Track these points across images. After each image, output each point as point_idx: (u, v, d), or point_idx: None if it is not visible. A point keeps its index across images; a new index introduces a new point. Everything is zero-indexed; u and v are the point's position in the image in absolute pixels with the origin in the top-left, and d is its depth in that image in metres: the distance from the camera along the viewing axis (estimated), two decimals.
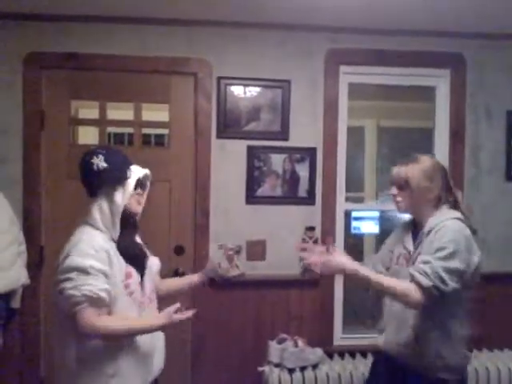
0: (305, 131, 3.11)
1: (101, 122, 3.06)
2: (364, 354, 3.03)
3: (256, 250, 3.07)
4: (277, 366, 2.80)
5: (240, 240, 3.03)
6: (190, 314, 1.82)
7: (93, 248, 1.72)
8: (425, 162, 2.05)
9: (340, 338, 3.18)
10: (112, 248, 1.78)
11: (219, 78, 3.02)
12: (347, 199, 3.27)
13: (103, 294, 1.69)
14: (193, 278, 2.22)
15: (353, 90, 3.20)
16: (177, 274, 2.93)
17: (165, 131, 3.22)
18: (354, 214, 3.49)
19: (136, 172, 1.85)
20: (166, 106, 3.07)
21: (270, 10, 2.80)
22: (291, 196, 3.10)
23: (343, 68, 3.13)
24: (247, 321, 3.08)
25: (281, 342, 2.88)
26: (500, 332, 3.19)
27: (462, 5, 2.67)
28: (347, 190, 3.26)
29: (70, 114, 3.05)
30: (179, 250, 3.04)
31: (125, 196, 1.80)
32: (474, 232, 2.00)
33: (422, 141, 3.61)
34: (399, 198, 2.08)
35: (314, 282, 3.08)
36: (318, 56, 3.10)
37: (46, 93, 2.94)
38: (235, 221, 3.06)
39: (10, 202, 2.56)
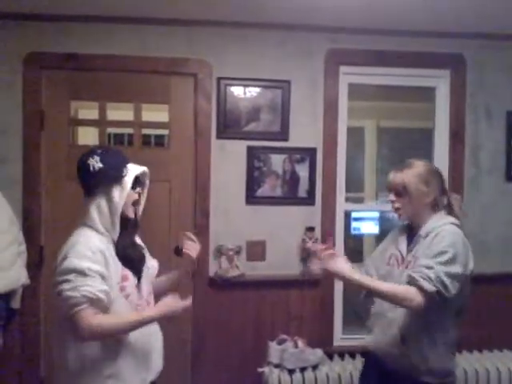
0: (305, 131, 3.11)
1: (101, 123, 3.06)
2: (364, 355, 3.03)
3: (256, 251, 3.07)
4: (277, 366, 2.80)
5: (240, 240, 3.05)
6: (188, 303, 1.83)
7: (90, 250, 1.71)
8: (419, 166, 2.07)
9: (340, 338, 3.18)
10: (108, 249, 1.77)
11: (219, 79, 3.02)
12: (347, 200, 3.27)
13: (102, 295, 1.69)
14: (174, 274, 2.17)
15: (353, 90, 3.20)
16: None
17: (165, 132, 3.22)
18: (354, 215, 3.50)
19: (133, 170, 1.84)
20: (166, 107, 3.07)
21: (269, 10, 2.80)
22: (291, 196, 3.10)
23: (343, 68, 3.13)
24: (247, 321, 3.07)
25: (281, 342, 2.88)
26: (500, 333, 3.19)
27: (462, 5, 2.67)
28: (347, 191, 3.26)
29: (69, 115, 3.05)
30: (178, 251, 3.03)
31: (123, 194, 1.78)
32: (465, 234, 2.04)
33: (422, 141, 3.61)
34: (398, 205, 2.09)
35: (314, 282, 3.08)
36: (317, 56, 3.10)
37: (46, 93, 2.94)
38: (235, 221, 3.06)
39: (9, 202, 2.55)
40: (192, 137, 3.05)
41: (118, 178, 1.78)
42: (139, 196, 1.90)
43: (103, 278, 1.71)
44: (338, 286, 3.15)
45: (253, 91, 3.06)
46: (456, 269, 1.89)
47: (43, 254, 2.93)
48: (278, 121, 3.08)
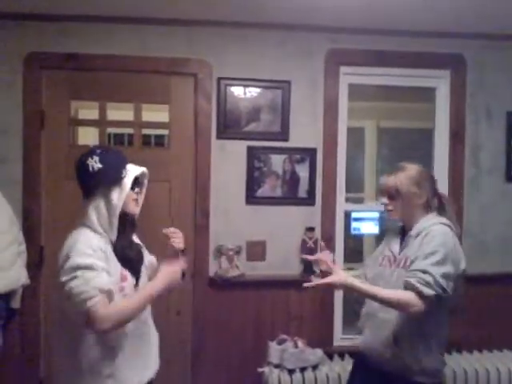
0: (305, 132, 3.11)
1: (101, 123, 3.06)
2: None
3: (256, 251, 3.07)
4: (277, 366, 2.80)
5: (240, 240, 3.05)
6: (182, 262, 1.87)
7: (90, 248, 1.71)
8: (411, 169, 2.10)
9: (340, 338, 3.18)
10: (108, 250, 1.78)
11: (219, 79, 3.02)
12: (347, 200, 3.27)
13: (112, 287, 1.70)
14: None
15: (353, 90, 3.20)
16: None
17: (165, 132, 3.22)
18: (354, 215, 3.49)
19: (132, 171, 1.83)
20: (166, 107, 3.07)
21: (270, 10, 2.80)
22: (291, 196, 3.10)
23: (343, 69, 3.13)
24: (247, 321, 3.07)
25: (281, 342, 2.88)
26: (500, 333, 3.19)
27: (462, 5, 2.67)
28: (347, 191, 3.27)
29: (69, 115, 3.05)
30: (181, 252, 3.03)
31: (121, 196, 1.78)
32: (459, 237, 2.06)
33: (422, 141, 3.61)
34: (391, 207, 2.12)
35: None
36: (318, 56, 3.10)
37: (46, 93, 2.94)
38: (235, 221, 3.06)
39: (9, 201, 2.55)
40: (192, 137, 3.05)
41: (117, 180, 1.78)
42: (137, 196, 1.90)
43: (108, 273, 1.71)
44: None
45: (253, 91, 3.06)
46: (448, 268, 1.92)
47: (43, 254, 2.93)
48: (278, 121, 3.08)
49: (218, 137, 3.04)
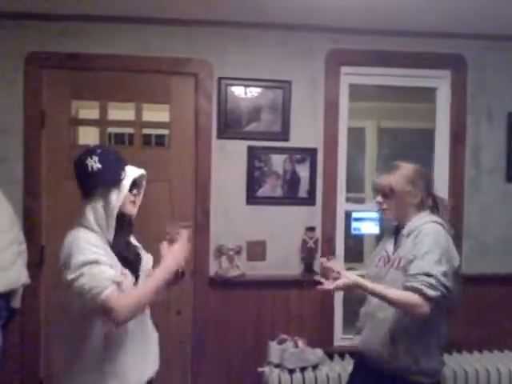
0: (305, 132, 3.11)
1: (101, 123, 3.06)
2: None
3: (256, 251, 3.07)
4: (277, 366, 2.80)
5: (240, 240, 3.05)
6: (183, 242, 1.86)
7: (92, 245, 1.71)
8: (406, 168, 2.11)
9: (340, 338, 3.19)
10: (107, 248, 1.77)
11: (220, 79, 3.02)
12: (347, 200, 3.28)
13: (122, 279, 1.71)
14: None
15: (353, 91, 3.20)
16: (177, 274, 2.91)
17: (165, 131, 3.22)
18: (355, 215, 3.49)
19: (131, 173, 1.82)
20: (167, 107, 3.07)
21: (270, 10, 2.80)
22: (292, 196, 3.10)
23: (344, 69, 3.13)
24: (247, 321, 3.07)
25: (281, 342, 2.88)
26: (500, 333, 3.19)
27: (463, 6, 2.67)
28: (348, 191, 3.27)
29: (70, 114, 3.05)
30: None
31: (120, 197, 1.77)
32: (452, 237, 2.05)
33: (423, 142, 3.61)
34: (385, 206, 2.13)
35: (315, 282, 3.07)
36: (318, 56, 3.10)
37: (47, 92, 2.95)
38: (235, 221, 3.06)
39: (10, 201, 2.55)
40: (193, 137, 3.05)
41: (116, 182, 1.77)
42: (135, 198, 1.89)
43: (111, 267, 1.72)
44: None
45: (253, 91, 3.06)
46: (445, 267, 1.92)
47: (44, 254, 2.93)
48: (279, 121, 3.08)
49: (219, 137, 3.04)
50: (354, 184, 3.55)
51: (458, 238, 3.13)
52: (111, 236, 1.79)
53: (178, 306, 3.02)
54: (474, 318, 3.13)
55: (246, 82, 3.05)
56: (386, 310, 2.01)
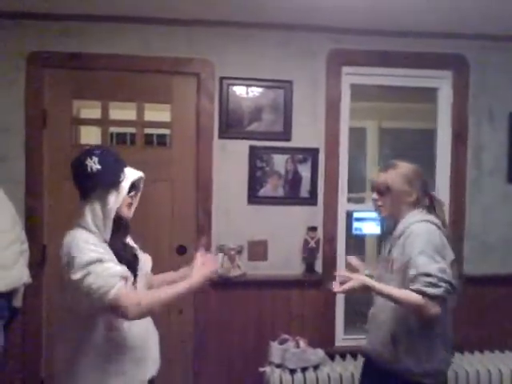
0: (307, 132, 3.11)
1: (103, 122, 3.06)
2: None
3: (258, 250, 3.07)
4: (278, 366, 2.80)
5: (242, 240, 3.05)
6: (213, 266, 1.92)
7: (92, 244, 1.71)
8: (403, 167, 2.11)
9: (342, 339, 3.18)
10: (105, 247, 1.77)
11: (221, 79, 3.02)
12: (349, 200, 3.27)
13: (128, 274, 1.71)
14: (188, 272, 2.09)
15: (355, 91, 3.20)
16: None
17: (167, 131, 3.22)
18: (356, 215, 3.49)
19: (130, 175, 1.82)
20: (169, 106, 3.07)
21: (271, 10, 2.80)
22: (293, 196, 3.10)
23: (345, 69, 3.13)
24: (249, 321, 3.07)
25: (282, 342, 2.88)
26: (501, 333, 3.19)
27: (465, 6, 2.67)
28: (349, 191, 3.27)
29: (72, 114, 3.05)
30: (181, 250, 3.04)
31: (118, 199, 1.77)
32: (448, 237, 2.04)
33: (424, 142, 3.61)
34: (380, 203, 2.13)
35: (316, 282, 3.08)
36: (320, 56, 3.10)
37: (49, 92, 2.95)
38: (237, 221, 3.06)
39: (12, 200, 2.55)
40: (194, 136, 3.05)
41: (115, 183, 1.77)
42: (132, 200, 1.89)
43: (114, 263, 1.72)
44: None
45: (255, 91, 3.06)
46: (442, 263, 1.91)
47: (46, 253, 2.94)
48: (281, 121, 3.08)
49: (220, 136, 3.04)
50: (356, 184, 3.54)
51: (459, 239, 3.15)
52: (108, 236, 1.78)
53: (180, 306, 3.02)
54: (474, 319, 3.13)
55: (248, 81, 3.05)
56: (386, 311, 2.02)
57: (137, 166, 1.88)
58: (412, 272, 1.92)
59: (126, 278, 1.71)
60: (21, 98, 2.90)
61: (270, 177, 3.07)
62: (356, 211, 3.42)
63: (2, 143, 2.89)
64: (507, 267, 3.23)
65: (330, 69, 3.11)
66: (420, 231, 1.98)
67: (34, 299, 2.87)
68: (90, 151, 1.79)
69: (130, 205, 1.87)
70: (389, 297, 1.95)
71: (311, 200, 3.11)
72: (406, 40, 3.13)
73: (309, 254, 3.08)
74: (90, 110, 3.30)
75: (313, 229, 3.08)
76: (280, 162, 3.08)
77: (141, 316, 1.72)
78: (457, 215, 3.18)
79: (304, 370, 2.79)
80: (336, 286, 2.01)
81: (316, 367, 2.83)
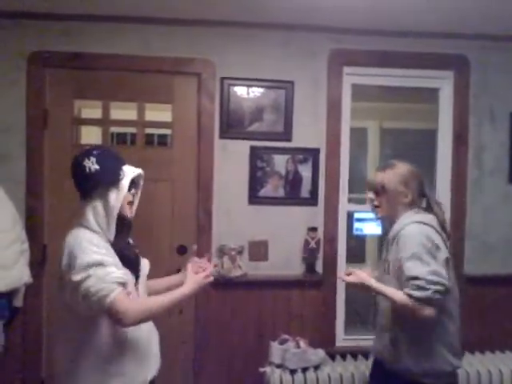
0: (308, 132, 3.11)
1: (104, 122, 3.07)
2: (366, 356, 3.02)
3: (258, 251, 3.07)
4: (278, 366, 2.80)
5: (242, 240, 3.05)
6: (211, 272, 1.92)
7: (94, 245, 1.71)
8: (401, 167, 2.11)
9: (342, 339, 3.18)
10: (108, 247, 1.77)
11: (222, 79, 3.02)
12: (350, 200, 3.27)
13: (127, 279, 1.71)
14: (183, 278, 2.04)
15: (356, 91, 3.20)
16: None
17: (168, 131, 3.23)
18: (357, 215, 3.49)
19: (129, 172, 1.82)
20: (169, 106, 3.07)
21: (272, 11, 2.80)
22: (294, 197, 3.10)
23: (346, 69, 3.13)
24: (249, 321, 3.07)
25: (283, 342, 2.88)
26: (502, 334, 3.19)
27: (466, 6, 2.67)
28: (350, 191, 3.26)
29: (73, 114, 3.05)
30: (182, 250, 3.04)
31: (119, 197, 1.77)
32: (447, 237, 2.05)
33: (425, 142, 3.61)
34: (376, 203, 2.13)
35: (317, 282, 3.08)
36: (321, 57, 3.10)
37: (50, 92, 2.95)
38: (238, 221, 3.06)
39: (12, 200, 2.56)
40: (195, 136, 3.05)
41: (115, 182, 1.77)
42: (133, 198, 1.89)
43: (116, 266, 1.72)
44: (341, 287, 3.14)
45: (256, 91, 3.06)
46: (432, 265, 1.90)
47: (46, 253, 2.94)
48: (281, 121, 3.08)
49: (221, 136, 3.04)
50: (356, 184, 3.54)
51: (459, 239, 3.15)
52: (112, 236, 1.78)
53: (180, 306, 3.01)
54: (475, 319, 3.12)
55: (249, 82, 3.05)
56: (387, 312, 2.03)
57: (137, 166, 1.88)
58: (403, 276, 1.93)
59: (125, 284, 1.70)
60: (22, 98, 2.90)
61: (271, 177, 3.07)
62: (357, 212, 3.42)
63: (2, 143, 2.89)
64: (508, 267, 3.23)
65: (330, 69, 3.11)
66: (410, 234, 1.97)
67: (35, 299, 2.87)
68: (87, 152, 1.79)
69: (131, 203, 1.87)
70: (386, 297, 1.98)
71: (312, 200, 3.11)
72: (407, 40, 3.13)
73: (309, 255, 3.08)
74: (90, 109, 3.31)
75: (313, 229, 3.08)
76: (281, 162, 3.07)
77: (136, 323, 1.72)
78: (457, 215, 3.18)
79: (304, 370, 2.79)
80: (343, 275, 2.07)
81: (316, 367, 2.82)
